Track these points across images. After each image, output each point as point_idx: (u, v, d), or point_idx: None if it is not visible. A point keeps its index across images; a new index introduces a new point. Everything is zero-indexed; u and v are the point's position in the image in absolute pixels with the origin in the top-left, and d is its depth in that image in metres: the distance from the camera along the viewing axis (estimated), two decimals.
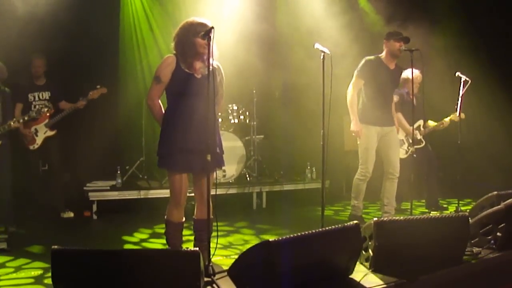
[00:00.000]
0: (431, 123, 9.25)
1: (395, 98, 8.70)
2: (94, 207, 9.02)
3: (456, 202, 8.95)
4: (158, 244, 7.37)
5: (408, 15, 9.70)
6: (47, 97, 8.77)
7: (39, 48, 8.88)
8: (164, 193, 9.01)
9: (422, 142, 9.16)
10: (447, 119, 9.15)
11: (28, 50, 8.82)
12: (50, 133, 8.72)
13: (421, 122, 9.12)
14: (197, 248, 4.74)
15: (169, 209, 5.75)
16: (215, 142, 5.66)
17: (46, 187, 8.89)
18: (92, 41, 10.01)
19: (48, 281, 5.66)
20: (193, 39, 5.49)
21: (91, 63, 10.00)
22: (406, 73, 8.54)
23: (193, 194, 5.92)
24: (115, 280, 4.58)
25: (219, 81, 5.74)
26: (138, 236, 7.82)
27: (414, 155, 8.73)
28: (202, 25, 5.52)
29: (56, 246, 4.60)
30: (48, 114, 8.36)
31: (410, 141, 8.97)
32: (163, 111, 5.72)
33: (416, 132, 9.09)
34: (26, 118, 7.81)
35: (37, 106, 8.30)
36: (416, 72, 8.78)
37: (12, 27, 8.74)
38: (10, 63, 8.21)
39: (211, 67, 5.35)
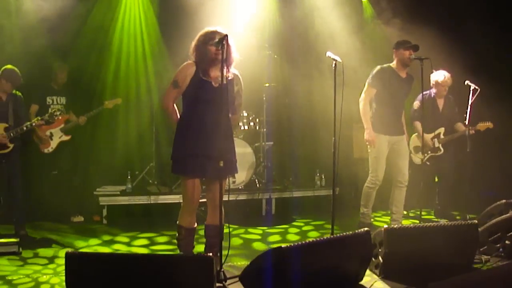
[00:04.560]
0: (460, 126, 9.13)
1: (416, 104, 8.71)
2: (104, 212, 9.07)
3: (464, 210, 8.98)
4: (168, 249, 7.41)
5: (417, 22, 9.71)
6: (64, 102, 8.90)
7: (54, 50, 9.09)
8: (174, 198, 9.10)
9: (440, 150, 9.06)
10: (471, 129, 9.03)
11: (46, 54, 8.99)
12: (65, 138, 8.81)
13: (441, 130, 9.07)
14: (211, 254, 4.78)
15: (181, 214, 5.82)
16: (230, 148, 5.73)
17: (57, 191, 8.92)
18: (103, 51, 10.17)
19: (59, 283, 5.72)
20: (207, 47, 5.59)
21: (103, 72, 10.13)
22: (436, 76, 8.56)
23: (204, 200, 5.97)
24: (128, 284, 4.63)
25: (237, 90, 5.81)
26: (148, 241, 7.86)
27: (428, 163, 8.73)
28: (216, 32, 5.61)
29: (70, 250, 4.63)
30: (60, 118, 8.43)
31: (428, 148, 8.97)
32: (178, 116, 5.79)
33: (435, 140, 9.06)
34: (35, 122, 7.90)
35: (54, 109, 8.38)
36: (445, 75, 8.79)
37: (30, 31, 8.90)
38: (28, 65, 8.42)
39: (230, 74, 5.47)
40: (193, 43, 5.73)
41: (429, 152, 8.83)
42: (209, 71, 5.66)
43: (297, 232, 8.50)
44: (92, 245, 7.60)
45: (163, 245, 7.64)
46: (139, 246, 7.61)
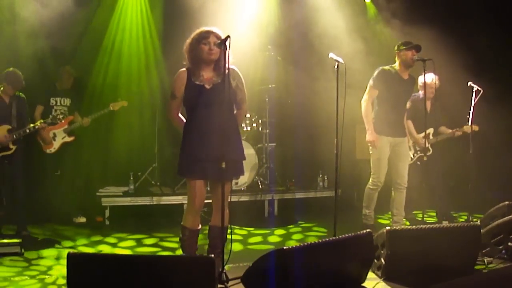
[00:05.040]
0: (444, 130, 9.16)
1: (407, 104, 8.71)
2: (107, 213, 9.08)
3: (467, 211, 8.97)
4: (171, 250, 7.42)
5: (420, 23, 9.70)
6: (68, 104, 8.92)
7: (58, 51, 9.12)
8: (177, 199, 9.14)
9: (429, 150, 9.06)
10: (459, 131, 9.06)
11: (50, 55, 9.03)
12: (68, 139, 8.83)
13: (431, 130, 9.07)
14: (212, 255, 4.78)
15: (185, 215, 5.85)
16: (234, 149, 5.71)
17: (59, 192, 8.94)
18: (107, 52, 10.25)
19: (65, 284, 5.72)
20: (200, 46, 5.59)
21: (108, 73, 10.21)
22: (423, 78, 8.55)
23: (209, 201, 5.98)
24: (130, 285, 4.63)
25: (236, 85, 5.75)
26: (150, 242, 7.87)
27: (418, 163, 8.72)
28: (210, 32, 5.61)
29: (72, 251, 4.62)
30: (63, 121, 8.47)
31: (417, 148, 8.96)
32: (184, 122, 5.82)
33: (425, 140, 9.03)
34: (39, 125, 7.94)
35: (57, 111, 8.40)
36: (433, 77, 8.75)
37: (34, 33, 8.94)
38: (33, 67, 8.58)
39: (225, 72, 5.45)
40: (187, 41, 5.74)
41: (419, 152, 8.82)
42: (201, 71, 5.66)
43: (300, 233, 8.51)
44: (94, 246, 7.61)
45: (164, 245, 7.65)
46: (141, 247, 7.61)
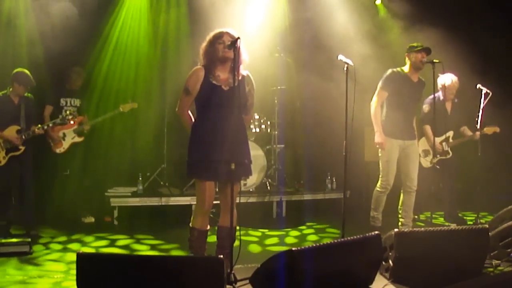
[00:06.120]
0: (466, 131, 9.12)
1: (426, 108, 8.66)
2: (115, 213, 9.11)
3: (475, 214, 8.95)
4: (179, 251, 7.42)
5: (429, 25, 9.70)
6: (78, 104, 8.97)
7: (68, 52, 9.15)
8: (185, 200, 9.16)
9: (449, 153, 9.02)
10: (477, 133, 8.99)
11: (60, 56, 9.04)
12: (78, 139, 8.87)
13: (451, 133, 9.03)
14: (221, 256, 4.79)
15: (194, 216, 5.84)
16: (243, 152, 5.74)
17: (68, 192, 8.96)
18: (116, 53, 10.30)
19: (71, 285, 5.73)
20: (215, 46, 5.63)
21: (117, 74, 10.25)
22: (443, 79, 8.52)
23: (217, 202, 5.98)
24: (138, 285, 4.64)
25: (248, 90, 5.82)
26: (158, 242, 7.87)
27: (437, 166, 8.69)
28: (224, 33, 5.65)
29: (81, 251, 4.64)
30: (72, 122, 8.50)
31: (436, 152, 8.93)
32: (193, 120, 5.81)
33: (444, 143, 9.02)
34: (50, 125, 8.00)
35: (67, 111, 8.44)
36: (453, 78, 8.73)
37: (44, 34, 8.97)
38: (43, 67, 8.71)
39: (240, 76, 5.48)
40: (203, 44, 5.76)
41: (438, 155, 8.79)
42: (217, 71, 5.69)
43: (308, 235, 8.51)
44: (102, 247, 7.63)
45: (173, 246, 7.64)
46: (149, 247, 7.62)
